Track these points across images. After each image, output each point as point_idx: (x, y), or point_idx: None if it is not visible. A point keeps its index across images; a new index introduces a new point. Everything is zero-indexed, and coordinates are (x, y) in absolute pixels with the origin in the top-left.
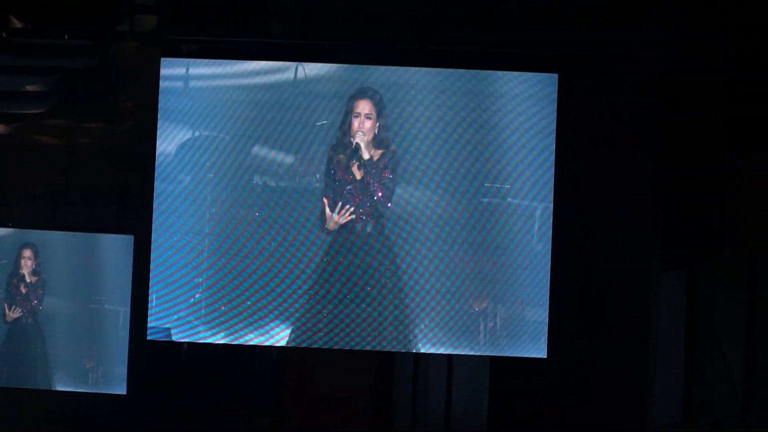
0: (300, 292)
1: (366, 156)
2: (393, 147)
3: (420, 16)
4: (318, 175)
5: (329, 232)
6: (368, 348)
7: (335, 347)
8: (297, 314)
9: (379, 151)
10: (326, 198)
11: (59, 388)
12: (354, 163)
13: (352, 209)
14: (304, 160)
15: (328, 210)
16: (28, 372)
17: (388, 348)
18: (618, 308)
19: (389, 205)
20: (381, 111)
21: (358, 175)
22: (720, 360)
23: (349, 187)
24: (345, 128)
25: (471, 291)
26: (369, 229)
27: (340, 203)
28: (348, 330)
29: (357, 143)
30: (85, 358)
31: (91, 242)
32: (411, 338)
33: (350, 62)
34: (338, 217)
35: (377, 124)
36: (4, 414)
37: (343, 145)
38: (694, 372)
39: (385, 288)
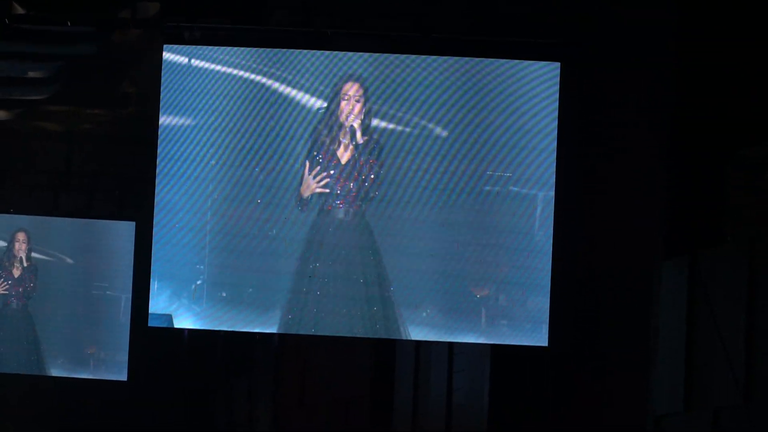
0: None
1: (360, 140)
2: (376, 136)
3: (422, 4)
4: (301, 158)
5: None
6: (360, 335)
7: (331, 334)
8: (292, 300)
9: (364, 137)
10: (308, 161)
11: (60, 374)
12: (341, 147)
13: (327, 180)
14: (306, 146)
15: (306, 172)
16: (19, 357)
17: (380, 335)
18: (619, 296)
19: (377, 193)
20: (368, 96)
21: (343, 159)
22: (721, 349)
23: (333, 171)
24: (332, 110)
25: (472, 279)
26: (356, 215)
27: (318, 168)
28: (343, 316)
29: (352, 126)
30: (86, 344)
31: (93, 229)
32: (399, 323)
33: (352, 50)
34: (314, 183)
35: (364, 109)
36: (4, 400)
37: (329, 127)
38: (695, 361)
39: (373, 275)
